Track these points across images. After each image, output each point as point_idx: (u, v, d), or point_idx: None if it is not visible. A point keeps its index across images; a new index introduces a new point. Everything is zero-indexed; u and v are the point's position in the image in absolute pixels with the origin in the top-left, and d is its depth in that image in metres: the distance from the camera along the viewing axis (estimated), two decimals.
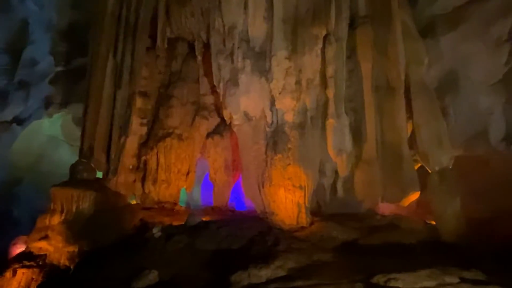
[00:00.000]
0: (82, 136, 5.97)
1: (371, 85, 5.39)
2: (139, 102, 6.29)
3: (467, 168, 5.44)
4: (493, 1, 5.38)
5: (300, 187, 4.83)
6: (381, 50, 5.44)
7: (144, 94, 6.45)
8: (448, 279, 3.16)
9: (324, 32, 5.22)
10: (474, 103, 5.52)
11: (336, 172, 5.31)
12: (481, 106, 5.48)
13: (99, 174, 5.93)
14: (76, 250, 4.74)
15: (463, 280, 3.16)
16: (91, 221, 5.03)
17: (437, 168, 4.96)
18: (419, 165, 5.29)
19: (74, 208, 4.99)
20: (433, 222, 5.01)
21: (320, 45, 5.24)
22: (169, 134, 6.31)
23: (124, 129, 5.87)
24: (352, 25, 5.54)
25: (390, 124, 5.21)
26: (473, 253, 4.10)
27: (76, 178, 5.50)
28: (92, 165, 5.70)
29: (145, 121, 6.36)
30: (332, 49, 5.21)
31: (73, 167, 5.62)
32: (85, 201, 4.96)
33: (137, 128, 6.22)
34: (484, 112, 5.46)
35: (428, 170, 5.07)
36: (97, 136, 5.83)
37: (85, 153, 5.79)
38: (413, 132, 5.25)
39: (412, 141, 5.21)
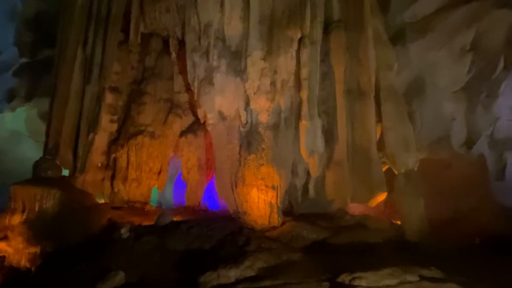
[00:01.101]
0: (48, 131, 5.68)
1: (343, 88, 5.54)
2: (109, 98, 6.08)
3: (431, 170, 5.71)
4: (457, 13, 5.67)
5: (273, 187, 4.87)
6: (353, 54, 5.60)
7: (115, 90, 6.25)
8: (409, 277, 3.30)
9: (299, 35, 5.30)
10: (439, 109, 5.81)
11: (308, 173, 5.40)
12: (445, 111, 5.77)
13: (65, 172, 5.69)
14: (38, 251, 4.51)
15: (422, 278, 3.32)
16: (55, 221, 4.80)
17: (403, 170, 5.17)
18: (387, 167, 5.49)
19: (36, 208, 4.74)
20: (399, 222, 5.21)
21: (295, 47, 5.31)
22: (141, 132, 6.15)
23: (93, 126, 5.66)
24: (326, 29, 5.66)
25: (360, 127, 5.37)
26: (435, 252, 4.31)
27: (39, 176, 5.23)
28: (58, 162, 5.45)
29: (115, 117, 6.17)
30: (306, 52, 5.30)
31: (37, 164, 5.35)
32: (48, 200, 4.73)
33: (107, 125, 6.02)
34: (448, 118, 5.76)
35: (395, 171, 5.28)
36: (64, 132, 5.57)
37: (51, 150, 5.52)
38: (381, 135, 5.45)
39: (381, 144, 5.40)
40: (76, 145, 5.52)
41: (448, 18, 5.75)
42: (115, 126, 6.14)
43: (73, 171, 5.53)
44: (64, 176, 5.53)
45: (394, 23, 6.18)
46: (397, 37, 6.15)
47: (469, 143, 5.63)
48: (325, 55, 5.67)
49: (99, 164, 5.83)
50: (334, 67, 5.62)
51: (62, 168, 5.52)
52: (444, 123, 5.77)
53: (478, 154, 5.61)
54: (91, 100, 5.62)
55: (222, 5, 5.42)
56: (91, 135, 5.54)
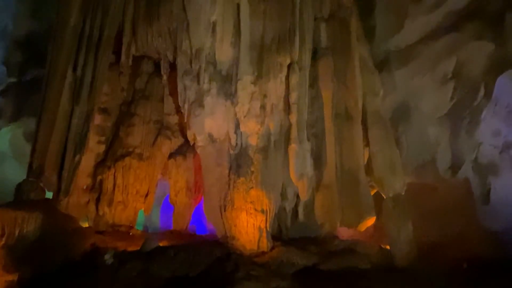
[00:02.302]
0: (33, 152, 5.51)
1: (331, 112, 5.66)
2: (98, 118, 6.03)
3: (418, 194, 5.79)
4: (438, 43, 5.96)
5: (262, 211, 4.83)
6: (341, 80, 5.77)
7: (104, 111, 6.21)
8: None
9: (288, 61, 5.44)
10: (424, 134, 5.97)
11: (298, 196, 5.40)
12: (430, 136, 5.94)
13: (49, 195, 5.51)
14: (16, 278, 4.29)
15: None
16: (35, 246, 4.59)
17: (391, 194, 5.23)
18: (375, 190, 5.54)
19: (17, 232, 4.53)
20: (388, 247, 5.20)
21: (285, 73, 5.45)
22: (128, 153, 6.06)
23: (80, 147, 5.54)
24: (314, 56, 5.84)
25: (348, 150, 5.45)
26: (423, 277, 4.29)
27: (21, 199, 5.05)
28: (41, 184, 5.29)
29: (103, 138, 6.08)
30: (295, 77, 5.43)
31: (19, 186, 5.16)
32: (30, 224, 4.53)
33: (94, 146, 5.92)
34: (433, 142, 5.92)
35: (383, 195, 5.32)
36: (50, 153, 5.43)
37: (34, 171, 5.36)
38: (369, 159, 5.53)
39: (369, 168, 5.47)
40: (62, 167, 5.37)
41: (430, 47, 6.03)
42: (102, 147, 6.04)
43: (57, 194, 5.36)
44: (47, 199, 5.35)
45: (379, 51, 6.45)
46: (382, 64, 6.40)
47: (454, 167, 5.76)
48: (314, 80, 5.83)
49: (85, 187, 5.68)
50: (322, 92, 5.77)
51: (46, 190, 5.36)
52: (429, 147, 5.92)
53: (463, 178, 5.74)
54: (79, 121, 5.53)
55: (213, 30, 5.55)
56: (77, 157, 5.43)
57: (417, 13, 6.27)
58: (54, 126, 5.38)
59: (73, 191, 5.37)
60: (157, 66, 6.57)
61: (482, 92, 5.46)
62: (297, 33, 5.50)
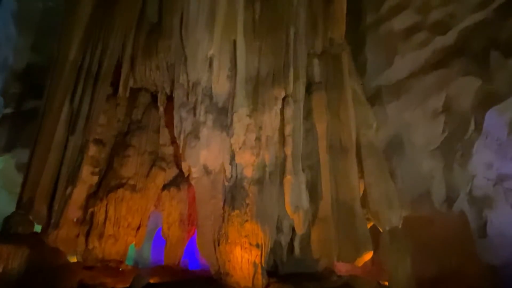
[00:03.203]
0: (24, 184, 5.41)
1: (326, 144, 5.72)
2: (92, 149, 6.01)
3: (414, 227, 5.71)
4: (428, 78, 6.17)
5: (257, 246, 4.72)
6: (334, 113, 5.89)
7: (99, 142, 6.20)
8: None
9: (283, 94, 5.57)
10: (418, 166, 6.01)
11: (293, 230, 5.30)
12: (423, 169, 5.97)
13: (38, 228, 5.35)
14: None
15: None
16: (20, 282, 4.39)
17: (387, 228, 5.17)
18: (371, 224, 5.48)
19: (1, 268, 4.34)
20: (386, 283, 5.06)
21: (280, 105, 5.55)
22: (122, 185, 5.99)
23: (73, 178, 5.46)
24: (308, 89, 6.00)
25: (344, 182, 5.44)
26: None
27: (9, 232, 4.89)
28: (31, 217, 5.15)
29: (97, 170, 6.03)
30: (290, 110, 5.53)
31: (7, 220, 5.00)
32: (15, 260, 4.35)
33: (88, 177, 5.85)
34: (427, 175, 5.93)
35: (380, 229, 5.26)
36: (41, 185, 5.33)
37: (24, 203, 5.23)
38: (364, 192, 5.52)
39: (364, 200, 5.44)
40: (53, 199, 5.27)
41: (419, 82, 6.24)
42: (95, 179, 5.97)
43: (46, 227, 5.21)
44: (36, 233, 5.19)
45: (371, 86, 6.66)
46: (374, 98, 6.57)
47: (449, 200, 5.75)
48: (308, 113, 5.94)
49: (75, 219, 5.54)
50: (317, 124, 5.86)
51: (35, 223, 5.21)
52: (424, 180, 5.93)
53: (459, 211, 5.70)
54: (73, 152, 5.50)
55: (210, 65, 5.71)
56: (69, 188, 5.33)
57: (406, 50, 6.55)
58: (47, 157, 5.33)
59: (63, 224, 5.23)
60: (154, 97, 6.68)
61: (472, 125, 5.58)
62: (291, 68, 5.67)
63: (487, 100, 5.52)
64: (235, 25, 5.76)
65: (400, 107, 6.29)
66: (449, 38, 6.19)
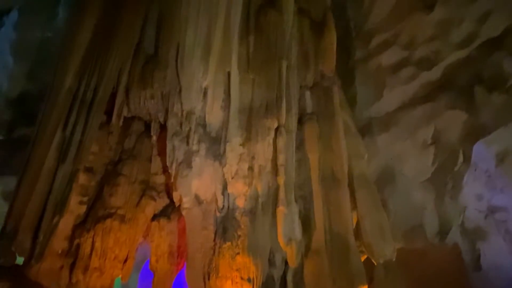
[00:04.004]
0: (9, 213, 5.20)
1: (319, 175, 5.72)
2: (82, 178, 5.88)
3: (408, 260, 5.63)
4: (416, 111, 6.37)
5: (249, 280, 4.58)
6: (326, 144, 5.96)
7: (89, 170, 6.09)
8: None
9: (276, 124, 5.65)
10: (409, 198, 6.04)
11: (286, 263, 5.17)
12: (415, 201, 6.00)
13: (20, 260, 5.11)
14: None
15: None
16: None
17: (381, 261, 5.07)
18: (365, 256, 5.38)
19: None
20: None
21: (272, 136, 5.61)
22: (110, 215, 5.82)
23: (60, 208, 5.30)
24: (300, 120, 6.10)
25: (336, 214, 5.40)
26: None
27: None
28: (13, 248, 4.93)
29: (85, 199, 5.86)
30: (282, 140, 5.58)
31: None
32: None
33: (75, 207, 5.68)
34: (419, 207, 5.96)
35: (374, 262, 5.16)
36: (27, 215, 5.15)
37: (8, 234, 5.01)
38: (357, 223, 5.47)
39: (357, 232, 5.38)
40: (38, 229, 5.08)
41: (408, 115, 6.43)
42: (83, 208, 5.80)
43: (29, 259, 4.98)
44: (17, 265, 4.95)
45: (361, 117, 6.82)
46: (365, 130, 6.71)
47: (442, 232, 5.73)
48: (300, 143, 6.00)
49: (60, 251, 5.31)
50: (309, 154, 5.91)
51: (17, 255, 4.98)
52: (416, 212, 5.94)
53: (452, 244, 5.67)
54: (63, 181, 5.38)
55: (205, 95, 5.82)
56: (56, 218, 5.16)
57: (394, 83, 6.80)
58: (35, 186, 5.20)
59: (46, 256, 5.00)
60: (147, 126, 6.68)
61: (461, 158, 5.70)
62: (284, 99, 5.79)
63: (474, 133, 5.68)
64: (229, 57, 5.94)
65: (390, 139, 6.42)
66: (435, 73, 6.47)
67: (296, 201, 5.39)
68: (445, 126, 6.03)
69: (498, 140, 5.29)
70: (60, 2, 8.05)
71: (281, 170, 5.41)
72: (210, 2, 6.00)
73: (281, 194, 5.28)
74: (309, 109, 6.27)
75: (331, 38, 6.62)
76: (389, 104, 6.73)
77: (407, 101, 6.59)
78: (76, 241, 5.50)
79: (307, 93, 6.48)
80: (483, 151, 5.43)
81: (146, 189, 6.42)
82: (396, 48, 6.89)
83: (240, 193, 5.23)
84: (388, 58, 6.93)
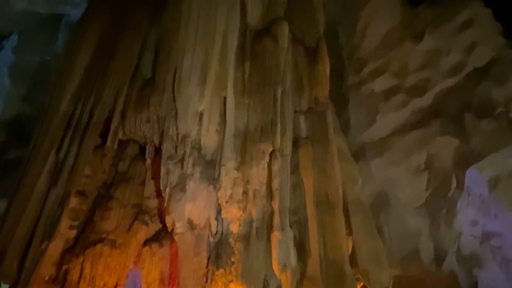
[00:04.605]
0: None
1: (313, 199, 5.69)
2: (73, 201, 5.77)
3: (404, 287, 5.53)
4: (409, 136, 6.47)
5: None
6: (321, 168, 5.97)
7: (81, 194, 5.99)
8: None
9: (270, 148, 5.67)
10: (405, 224, 6.01)
11: None
12: (410, 227, 5.96)
13: (5, 286, 4.91)
14: None
15: None
16: None
17: None
18: (361, 284, 5.27)
19: None
20: None
21: (267, 160, 5.62)
22: (101, 240, 5.67)
23: (50, 232, 5.18)
24: (295, 144, 6.14)
25: (332, 240, 5.32)
26: None
27: None
28: None
29: (76, 223, 5.73)
30: (277, 164, 5.59)
31: None
32: None
33: (65, 231, 5.53)
34: (414, 233, 5.91)
35: None
36: (15, 239, 5.02)
37: None
38: (353, 250, 5.39)
39: (353, 259, 5.29)
40: (26, 254, 4.92)
41: (401, 140, 6.52)
42: (73, 233, 5.65)
43: (14, 285, 4.79)
44: None
45: (355, 142, 6.89)
46: (359, 155, 6.76)
47: (438, 259, 5.67)
48: (295, 167, 6.00)
49: (47, 277, 5.13)
50: (304, 178, 5.90)
51: (2, 281, 4.80)
52: (411, 238, 5.89)
53: (449, 271, 5.60)
54: (54, 204, 5.29)
55: (200, 119, 5.86)
56: (45, 243, 5.03)
57: (387, 109, 6.94)
58: (25, 209, 5.11)
59: (33, 283, 4.82)
60: (142, 149, 6.65)
61: (454, 183, 5.73)
62: (279, 123, 5.85)
63: (466, 159, 5.76)
64: (225, 82, 6.05)
65: (384, 164, 6.47)
66: (426, 100, 6.64)
67: (291, 226, 5.33)
68: (438, 152, 6.11)
69: (490, 166, 5.36)
70: (60, 27, 8.23)
71: (276, 195, 5.38)
72: (208, 29, 6.18)
73: (276, 219, 5.22)
74: (303, 134, 6.33)
75: (324, 65, 6.80)
76: (382, 129, 6.83)
77: (399, 127, 6.70)
78: (64, 267, 5.31)
79: (302, 118, 6.56)
80: (476, 177, 5.48)
81: (139, 213, 6.30)
82: (388, 75, 7.09)
83: (234, 218, 5.16)
84: (380, 85, 7.12)
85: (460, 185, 5.77)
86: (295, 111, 6.46)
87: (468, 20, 6.75)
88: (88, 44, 6.47)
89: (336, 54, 7.41)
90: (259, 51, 6.33)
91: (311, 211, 5.56)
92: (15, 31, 8.28)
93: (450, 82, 6.55)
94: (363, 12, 7.41)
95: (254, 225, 5.20)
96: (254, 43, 6.44)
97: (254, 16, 6.61)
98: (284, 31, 6.49)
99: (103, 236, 5.70)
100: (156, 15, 6.76)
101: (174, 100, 5.92)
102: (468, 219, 5.69)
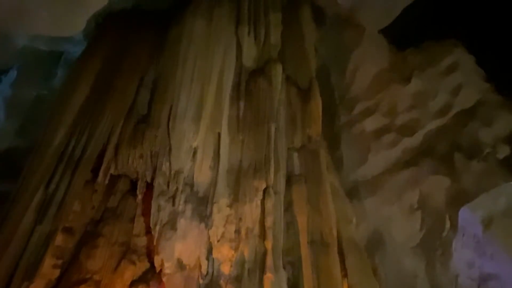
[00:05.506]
0: None
1: (307, 239, 5.57)
2: (59, 239, 5.56)
3: None
4: (401, 175, 6.52)
5: None
6: (314, 206, 5.90)
7: (68, 230, 5.79)
8: None
9: (264, 185, 5.64)
10: (400, 264, 5.86)
11: None
12: (406, 267, 5.82)
13: None
14: None
15: None
16: None
17: None
18: None
19: None
20: None
21: (260, 197, 5.56)
22: (85, 280, 5.40)
23: (31, 272, 4.93)
24: (288, 182, 6.12)
25: (326, 282, 5.14)
26: None
27: None
28: None
29: (60, 262, 5.47)
30: (271, 201, 5.53)
31: None
32: None
33: (48, 271, 5.26)
34: (410, 274, 5.76)
35: None
36: None
37: None
38: None
39: None
40: None
41: (393, 179, 6.56)
42: (57, 273, 5.38)
43: None
44: None
45: (348, 180, 6.90)
46: (352, 193, 6.74)
47: None
48: (288, 205, 5.93)
49: None
50: (297, 217, 5.80)
51: None
52: (408, 279, 5.73)
53: None
54: (38, 242, 5.08)
55: (194, 155, 5.88)
56: (24, 284, 4.77)
57: (379, 148, 7.05)
58: (8, 248, 4.88)
59: None
60: (133, 184, 6.57)
61: (448, 223, 5.70)
62: (272, 160, 5.88)
63: (459, 198, 5.78)
64: (220, 119, 6.15)
65: (377, 202, 6.45)
66: (416, 140, 6.79)
67: (284, 267, 5.16)
68: (430, 191, 6.13)
69: (482, 206, 5.37)
70: (60, 62, 8.41)
71: (269, 233, 5.26)
72: (204, 69, 6.41)
73: (269, 260, 5.06)
74: (296, 171, 6.34)
75: (317, 104, 6.97)
76: (374, 167, 6.89)
77: (391, 165, 6.77)
78: None
79: (295, 155, 6.60)
80: (469, 217, 5.46)
81: (127, 252, 6.07)
82: (378, 115, 7.29)
83: (225, 258, 5.00)
84: (370, 124, 7.29)
85: (454, 225, 5.73)
86: (288, 149, 6.51)
87: (452, 64, 7.13)
88: (85, 81, 6.61)
89: (328, 94, 7.65)
90: (254, 90, 6.52)
91: (305, 251, 5.42)
92: (14, 66, 8.43)
93: (438, 122, 6.75)
94: (353, 55, 7.78)
95: (246, 266, 5.03)
96: (249, 82, 6.65)
97: (249, 57, 6.89)
98: (278, 72, 6.73)
99: (88, 276, 5.44)
100: (154, 54, 7.01)
101: (169, 136, 5.96)
102: (465, 260, 5.58)
